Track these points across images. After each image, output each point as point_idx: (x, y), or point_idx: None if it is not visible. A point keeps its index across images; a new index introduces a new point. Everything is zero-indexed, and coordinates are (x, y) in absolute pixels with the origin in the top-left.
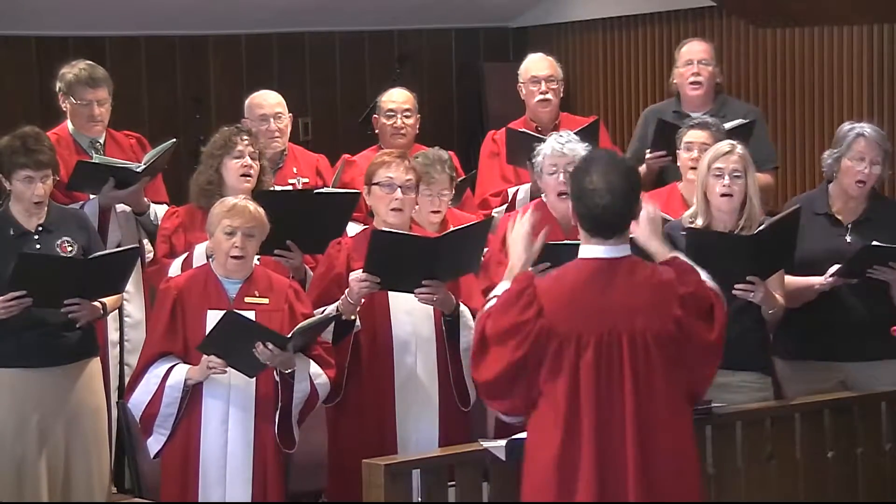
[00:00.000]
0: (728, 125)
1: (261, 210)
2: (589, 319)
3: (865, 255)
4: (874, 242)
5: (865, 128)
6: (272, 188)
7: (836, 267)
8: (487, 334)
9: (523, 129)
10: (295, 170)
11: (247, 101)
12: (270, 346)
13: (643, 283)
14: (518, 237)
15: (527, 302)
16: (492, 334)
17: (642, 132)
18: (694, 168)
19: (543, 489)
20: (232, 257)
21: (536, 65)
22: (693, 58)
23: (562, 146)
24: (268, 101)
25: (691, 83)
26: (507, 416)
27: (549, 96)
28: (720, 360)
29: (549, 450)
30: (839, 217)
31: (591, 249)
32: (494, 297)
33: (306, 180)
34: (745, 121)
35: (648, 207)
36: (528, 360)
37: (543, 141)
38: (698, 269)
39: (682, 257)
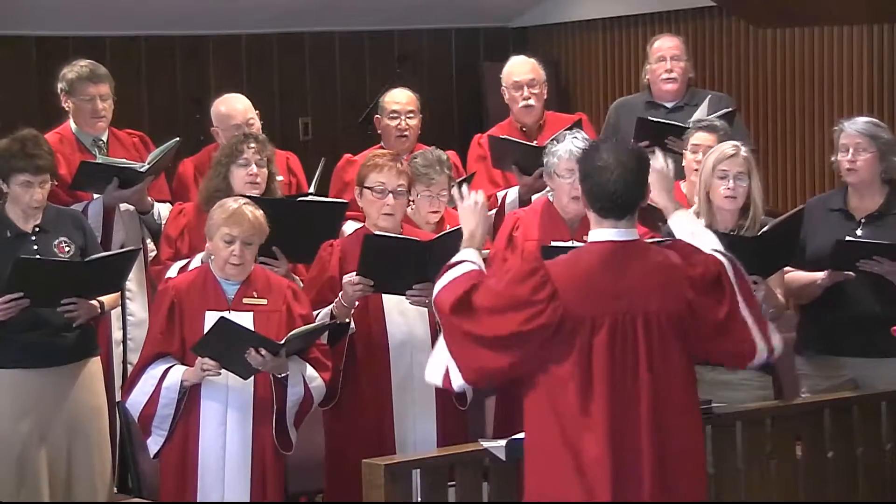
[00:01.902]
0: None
1: (259, 214)
2: (603, 302)
3: (841, 251)
4: (847, 238)
5: (847, 121)
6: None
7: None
8: (478, 303)
9: (505, 136)
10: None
11: (212, 110)
12: (263, 351)
13: (655, 265)
14: (469, 208)
15: (540, 282)
16: (488, 305)
17: (614, 122)
18: (698, 170)
19: (552, 472)
20: (231, 264)
21: (518, 69)
22: (665, 54)
23: (579, 151)
24: (237, 109)
25: (665, 79)
26: (460, 382)
27: (531, 102)
28: (739, 332)
29: (557, 435)
30: (853, 213)
31: (602, 233)
32: (462, 262)
33: (280, 178)
34: (727, 109)
35: (658, 160)
36: (534, 337)
37: (527, 146)
38: (710, 236)
39: (697, 231)
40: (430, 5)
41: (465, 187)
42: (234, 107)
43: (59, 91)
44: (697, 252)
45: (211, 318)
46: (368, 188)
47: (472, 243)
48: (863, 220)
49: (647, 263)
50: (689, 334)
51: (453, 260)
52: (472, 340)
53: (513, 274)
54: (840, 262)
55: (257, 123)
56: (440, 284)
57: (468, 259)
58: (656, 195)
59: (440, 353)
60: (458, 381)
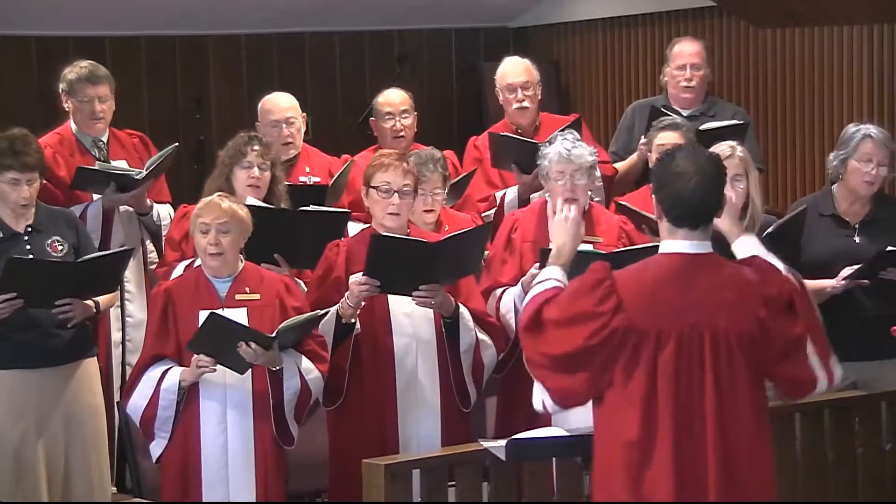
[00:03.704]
0: (720, 123)
1: (236, 206)
2: (670, 315)
3: (880, 260)
4: (889, 248)
5: (871, 129)
6: (260, 203)
7: (848, 270)
8: (546, 317)
9: (505, 133)
10: (307, 169)
11: (259, 105)
12: (253, 345)
13: (727, 280)
14: (560, 223)
15: (605, 293)
16: (555, 318)
17: (629, 123)
18: None
19: (617, 485)
20: (209, 255)
21: (512, 71)
22: (686, 62)
23: (568, 152)
24: (279, 106)
25: (684, 87)
26: (551, 403)
27: (525, 104)
28: (801, 359)
29: (623, 446)
30: (846, 218)
31: (673, 245)
32: (546, 279)
33: (317, 179)
34: (738, 122)
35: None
36: (601, 351)
37: (527, 143)
38: (774, 259)
39: (762, 255)
40: (430, 5)
41: (558, 202)
42: (275, 103)
43: (59, 91)
44: (774, 270)
45: (205, 317)
46: (374, 188)
47: (559, 260)
48: (857, 227)
49: (718, 277)
50: (758, 355)
51: (536, 279)
52: (548, 361)
53: (578, 285)
54: (872, 271)
55: (298, 123)
56: (522, 308)
57: (551, 277)
58: (722, 220)
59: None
60: (549, 403)
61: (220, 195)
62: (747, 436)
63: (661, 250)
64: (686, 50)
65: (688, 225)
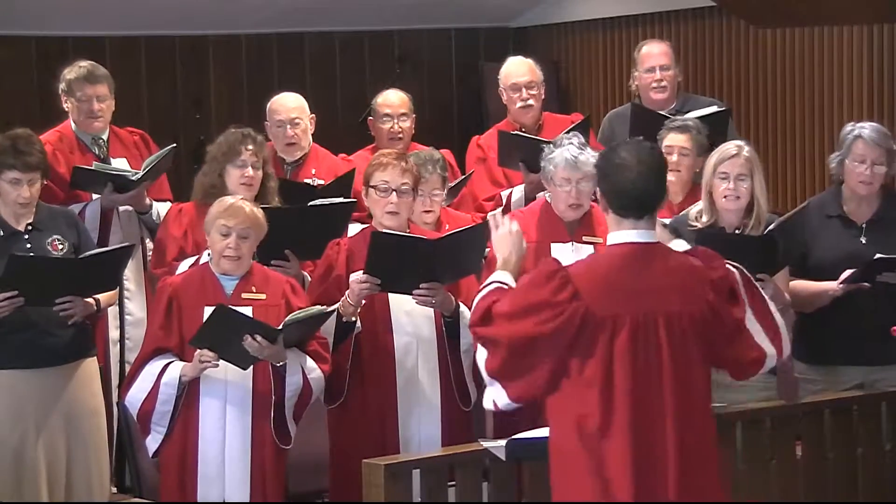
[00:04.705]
0: (700, 112)
1: (257, 210)
2: (625, 301)
3: (872, 267)
4: (877, 256)
5: (865, 128)
6: (270, 203)
7: (846, 274)
8: (497, 311)
9: (515, 132)
10: (313, 171)
11: (267, 105)
12: (259, 338)
13: (676, 267)
14: (504, 236)
15: (560, 284)
16: (507, 311)
17: (608, 135)
18: (675, 171)
19: (575, 466)
20: (225, 257)
21: (516, 70)
22: (654, 64)
23: (575, 159)
24: (285, 107)
25: (654, 88)
26: (505, 401)
27: (530, 102)
28: (748, 338)
29: (580, 427)
30: (852, 218)
31: (620, 235)
32: (492, 283)
33: (322, 182)
34: (721, 108)
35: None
36: (556, 340)
37: (536, 142)
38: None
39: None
40: (430, 5)
41: (499, 215)
42: (281, 104)
43: (59, 91)
44: (717, 257)
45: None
46: (373, 187)
47: (507, 268)
48: (864, 227)
49: (668, 264)
50: (709, 338)
51: (485, 283)
52: (502, 355)
53: (530, 278)
54: (868, 276)
55: (304, 124)
56: (472, 308)
57: (498, 279)
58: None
59: (485, 376)
60: (503, 401)
61: (241, 199)
62: (702, 412)
63: (609, 241)
64: (654, 51)
65: (633, 214)
